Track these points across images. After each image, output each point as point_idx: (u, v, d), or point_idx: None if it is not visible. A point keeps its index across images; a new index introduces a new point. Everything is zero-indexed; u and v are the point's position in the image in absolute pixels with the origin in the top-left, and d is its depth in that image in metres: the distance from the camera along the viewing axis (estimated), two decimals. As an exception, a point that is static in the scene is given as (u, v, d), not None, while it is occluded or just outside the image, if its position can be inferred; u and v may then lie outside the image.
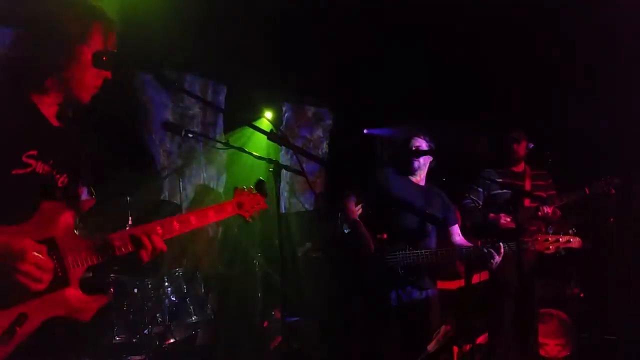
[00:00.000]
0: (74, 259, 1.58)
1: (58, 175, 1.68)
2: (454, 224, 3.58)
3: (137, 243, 1.68)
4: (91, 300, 1.61)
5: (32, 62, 1.62)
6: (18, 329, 1.44)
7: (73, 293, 1.57)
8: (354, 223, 3.33)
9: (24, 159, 1.55)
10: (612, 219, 5.67)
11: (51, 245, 1.52)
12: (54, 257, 1.53)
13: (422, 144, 3.49)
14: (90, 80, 1.71)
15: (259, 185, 2.07)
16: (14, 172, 1.53)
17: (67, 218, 1.60)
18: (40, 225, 1.53)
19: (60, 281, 1.54)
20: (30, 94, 1.65)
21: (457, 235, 3.57)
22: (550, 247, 3.27)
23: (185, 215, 1.82)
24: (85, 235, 1.64)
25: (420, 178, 3.54)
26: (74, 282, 1.57)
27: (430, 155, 3.46)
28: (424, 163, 3.50)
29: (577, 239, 3.36)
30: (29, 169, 1.57)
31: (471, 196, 4.24)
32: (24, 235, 1.48)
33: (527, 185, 4.16)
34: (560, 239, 3.32)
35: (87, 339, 3.35)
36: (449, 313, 4.79)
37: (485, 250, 3.15)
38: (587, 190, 4.03)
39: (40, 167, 1.60)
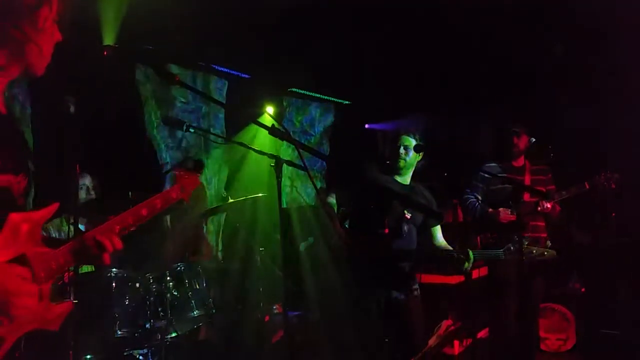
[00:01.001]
0: (46, 273, 1.49)
1: (17, 178, 1.51)
2: (436, 225, 3.53)
3: (99, 246, 1.60)
4: (59, 309, 1.54)
5: None
6: None
7: (44, 306, 1.50)
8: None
9: None
10: (613, 214, 5.68)
11: (24, 264, 1.43)
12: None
13: (410, 142, 3.42)
14: (48, 47, 1.57)
15: (196, 164, 2.08)
16: None
17: (31, 227, 1.47)
18: (8, 241, 1.41)
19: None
20: None
21: (439, 236, 3.53)
22: (524, 257, 3.25)
23: (135, 208, 1.77)
24: (50, 244, 1.54)
25: (406, 177, 3.48)
26: (45, 295, 1.50)
27: (417, 151, 3.41)
28: (410, 162, 3.43)
29: (552, 252, 3.36)
30: None
31: (471, 191, 4.23)
32: None
33: (527, 180, 4.15)
34: (534, 251, 3.31)
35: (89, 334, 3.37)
36: (450, 308, 4.81)
37: (456, 256, 3.16)
38: (587, 185, 4.02)
39: (2, 179, 1.46)
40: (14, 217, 1.44)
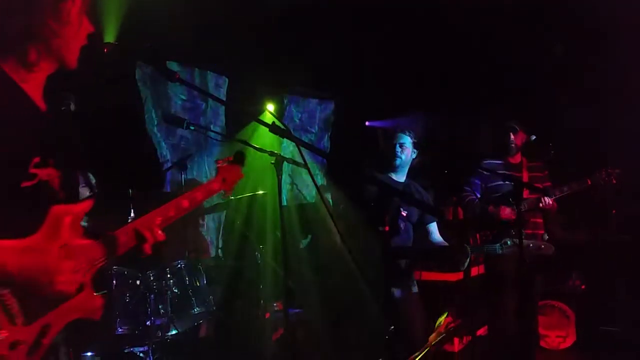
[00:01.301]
0: (88, 263, 1.54)
1: (58, 173, 1.57)
2: (432, 222, 3.54)
3: (140, 237, 1.66)
4: (99, 298, 1.61)
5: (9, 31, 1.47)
6: (43, 341, 1.43)
7: (87, 295, 1.56)
8: None
9: (32, 170, 1.46)
10: (614, 211, 5.68)
11: (67, 254, 1.48)
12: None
13: (406, 140, 3.44)
14: (77, 40, 1.58)
15: (237, 156, 2.07)
16: (23, 185, 1.44)
17: (73, 219, 1.53)
18: (51, 234, 1.47)
19: (79, 288, 1.53)
20: (11, 75, 1.49)
21: (435, 233, 3.54)
22: (522, 251, 3.23)
23: (176, 200, 1.80)
24: (91, 235, 1.60)
25: (401, 175, 3.49)
26: (87, 284, 1.56)
27: (414, 149, 3.43)
28: (406, 160, 3.45)
29: (549, 246, 3.38)
30: (36, 180, 1.48)
31: (469, 188, 4.21)
32: (40, 248, 1.43)
33: (525, 177, 4.15)
34: (532, 245, 3.32)
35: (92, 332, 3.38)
36: (450, 305, 4.81)
37: (453, 252, 3.18)
38: (588, 181, 4.02)
39: (44, 172, 1.51)
40: (57, 209, 1.49)
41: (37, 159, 1.47)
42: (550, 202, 3.99)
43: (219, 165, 2.00)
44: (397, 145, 3.42)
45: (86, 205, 1.59)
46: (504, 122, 4.26)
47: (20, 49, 1.48)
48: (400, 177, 3.49)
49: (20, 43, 1.48)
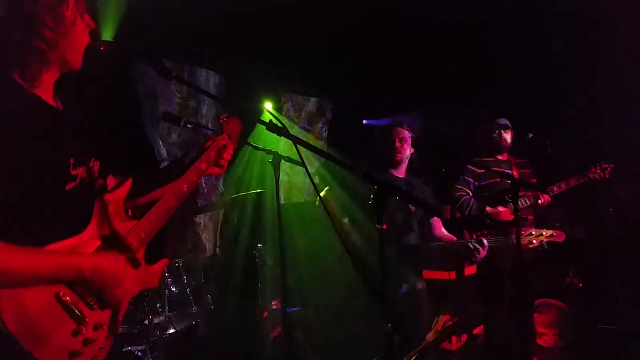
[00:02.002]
0: (138, 242, 1.68)
1: (92, 167, 1.67)
2: (435, 216, 3.50)
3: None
4: (156, 268, 1.76)
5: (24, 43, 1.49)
6: (118, 317, 1.63)
7: (143, 270, 1.71)
8: None
9: (73, 171, 1.55)
10: (611, 209, 5.69)
11: (118, 240, 1.63)
12: (122, 249, 1.63)
13: (405, 134, 3.41)
14: (80, 41, 1.61)
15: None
16: (68, 187, 1.53)
17: (116, 205, 1.67)
18: (100, 224, 1.61)
19: (135, 266, 1.69)
20: (26, 84, 1.52)
21: (439, 227, 3.51)
22: (534, 241, 3.23)
23: (196, 165, 1.94)
24: (135, 215, 1.75)
25: (401, 170, 3.47)
26: (141, 259, 1.70)
27: (414, 146, 3.41)
28: (406, 155, 3.42)
29: (561, 233, 3.33)
30: (78, 179, 1.57)
31: (462, 187, 4.17)
32: (92, 239, 1.57)
33: (516, 174, 4.16)
34: (544, 233, 3.29)
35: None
36: (446, 303, 4.82)
37: (472, 246, 3.15)
38: (584, 176, 4.03)
39: (82, 170, 1.60)
40: (100, 201, 1.64)
41: (72, 160, 1.56)
42: (549, 199, 3.99)
43: (223, 120, 2.09)
44: (397, 140, 3.39)
45: (124, 189, 1.74)
46: (496, 119, 4.25)
47: (23, 63, 1.50)
48: (401, 172, 3.47)
49: (22, 57, 1.50)
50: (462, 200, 4.13)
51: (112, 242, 1.61)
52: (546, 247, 3.33)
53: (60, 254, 1.46)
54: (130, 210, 1.75)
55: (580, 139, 5.39)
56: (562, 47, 5.33)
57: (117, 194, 1.72)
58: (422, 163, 3.61)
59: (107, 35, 3.79)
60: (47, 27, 1.50)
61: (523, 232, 3.25)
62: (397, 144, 3.39)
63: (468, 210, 4.10)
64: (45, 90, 1.58)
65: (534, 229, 3.26)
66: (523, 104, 5.65)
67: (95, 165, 1.69)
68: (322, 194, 3.42)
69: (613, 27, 4.74)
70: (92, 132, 1.78)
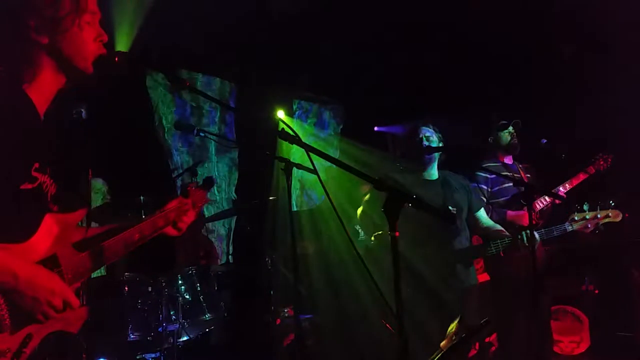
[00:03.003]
0: (73, 275, 1.53)
1: (52, 182, 1.56)
2: (480, 208, 3.40)
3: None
4: (80, 311, 1.58)
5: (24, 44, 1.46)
6: (25, 350, 1.43)
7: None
8: None
9: (33, 173, 1.45)
10: (627, 214, 5.61)
11: (54, 264, 1.48)
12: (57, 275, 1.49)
13: (431, 134, 3.31)
14: (87, 46, 1.56)
15: (207, 180, 2.14)
16: (22, 187, 1.42)
17: (64, 229, 1.55)
18: (43, 241, 1.49)
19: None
20: (22, 86, 1.48)
21: (484, 218, 3.39)
22: (589, 224, 3.09)
23: (149, 221, 1.80)
24: (79, 246, 1.59)
25: (432, 171, 3.35)
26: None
27: (442, 150, 3.30)
28: (435, 156, 3.30)
29: (617, 212, 3.17)
30: (36, 183, 1.46)
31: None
32: (30, 253, 1.44)
33: (524, 178, 4.11)
34: (599, 215, 3.13)
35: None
36: (462, 310, 4.77)
37: (523, 236, 3.05)
38: (590, 169, 3.98)
39: (43, 178, 1.50)
40: (50, 217, 1.51)
41: (37, 164, 1.47)
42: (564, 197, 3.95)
43: (190, 189, 2.02)
44: (424, 139, 3.27)
45: (78, 216, 1.61)
46: (507, 123, 4.20)
47: (14, 61, 1.48)
48: (433, 173, 3.35)
49: (12, 56, 1.47)
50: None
51: (48, 266, 1.47)
52: (602, 229, 3.18)
53: None
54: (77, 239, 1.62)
55: (582, 139, 5.35)
56: (571, 53, 5.30)
57: (70, 217, 1.58)
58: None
59: (121, 46, 3.84)
60: (41, 27, 1.47)
61: (576, 217, 3.12)
62: (425, 143, 3.26)
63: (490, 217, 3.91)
64: (38, 91, 1.52)
65: (586, 212, 3.12)
66: (527, 106, 5.62)
67: (58, 185, 1.58)
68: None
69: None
70: (78, 152, 1.73)
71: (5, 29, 1.47)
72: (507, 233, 3.33)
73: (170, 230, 1.90)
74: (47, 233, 1.50)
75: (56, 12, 1.49)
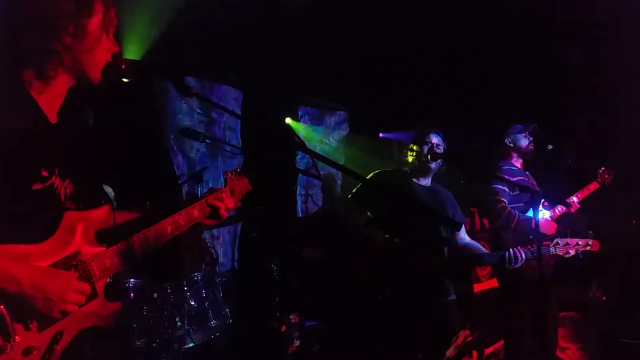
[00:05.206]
0: (100, 270, 1.54)
1: (64, 184, 1.57)
2: (461, 225, 3.45)
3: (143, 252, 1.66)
4: (112, 306, 1.61)
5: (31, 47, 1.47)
6: (56, 347, 1.44)
7: (100, 303, 1.56)
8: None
9: (44, 172, 1.47)
10: (634, 221, 5.58)
11: (78, 261, 1.50)
12: (82, 272, 1.50)
13: (438, 141, 3.33)
14: (101, 57, 1.59)
15: (246, 167, 2.06)
16: (34, 187, 1.44)
17: (86, 226, 1.55)
18: (64, 239, 1.50)
19: (90, 296, 1.53)
20: (28, 87, 1.50)
21: (464, 235, 3.45)
22: (570, 250, 3.27)
23: (185, 211, 1.78)
24: (106, 241, 1.60)
25: (428, 179, 3.40)
26: (100, 292, 1.57)
27: (445, 157, 3.33)
28: (438, 163, 3.33)
29: (596, 242, 3.37)
30: (48, 182, 1.48)
31: (501, 198, 3.88)
32: (51, 253, 1.45)
33: (535, 185, 4.11)
34: (580, 243, 3.31)
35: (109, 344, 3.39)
36: (467, 318, 4.76)
37: (508, 255, 3.14)
38: (599, 179, 4.04)
39: (54, 178, 1.52)
40: (70, 215, 1.53)
41: (46, 165, 1.49)
42: (578, 207, 4.00)
43: (228, 177, 1.99)
44: (431, 145, 3.29)
45: (102, 213, 1.62)
46: (513, 126, 4.19)
47: (38, 62, 1.49)
48: (427, 181, 3.40)
49: (37, 57, 1.49)
50: (506, 212, 3.83)
51: (71, 263, 1.49)
52: (581, 256, 3.37)
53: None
54: (100, 236, 1.62)
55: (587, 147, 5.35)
56: (578, 58, 5.29)
57: (92, 214, 1.59)
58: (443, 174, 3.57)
59: (130, 54, 3.86)
60: (68, 33, 1.50)
61: (560, 242, 3.32)
62: (434, 149, 3.28)
63: (512, 222, 3.80)
64: (52, 97, 1.55)
65: (568, 239, 3.31)
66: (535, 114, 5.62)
67: (69, 187, 1.60)
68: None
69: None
70: (84, 158, 1.72)
71: (37, 33, 1.48)
72: (486, 251, 3.47)
73: (208, 222, 1.88)
74: (68, 231, 1.51)
75: (88, 22, 1.53)
